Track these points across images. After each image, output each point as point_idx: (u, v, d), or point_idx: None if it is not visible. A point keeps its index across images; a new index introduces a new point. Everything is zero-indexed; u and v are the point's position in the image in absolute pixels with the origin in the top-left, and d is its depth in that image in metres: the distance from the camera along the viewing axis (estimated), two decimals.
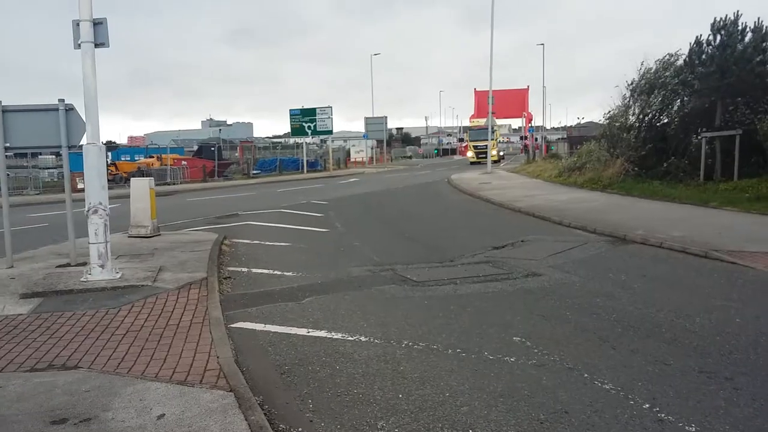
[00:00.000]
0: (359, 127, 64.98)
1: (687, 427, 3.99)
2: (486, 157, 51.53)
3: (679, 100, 21.49)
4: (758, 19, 19.12)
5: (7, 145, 9.06)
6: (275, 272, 9.30)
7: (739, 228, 11.93)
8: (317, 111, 50.49)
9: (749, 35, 19.13)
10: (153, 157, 45.51)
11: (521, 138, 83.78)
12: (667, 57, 21.60)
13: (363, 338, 6.04)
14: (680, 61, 21.28)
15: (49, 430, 3.97)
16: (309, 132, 50.59)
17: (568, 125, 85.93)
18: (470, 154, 60.77)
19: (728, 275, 8.45)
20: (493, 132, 54.24)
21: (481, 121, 62.23)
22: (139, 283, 8.08)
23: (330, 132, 52.79)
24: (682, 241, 10.47)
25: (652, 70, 21.67)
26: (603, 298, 7.34)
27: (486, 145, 53.13)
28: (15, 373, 5.08)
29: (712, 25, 19.78)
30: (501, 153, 69.57)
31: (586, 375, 4.91)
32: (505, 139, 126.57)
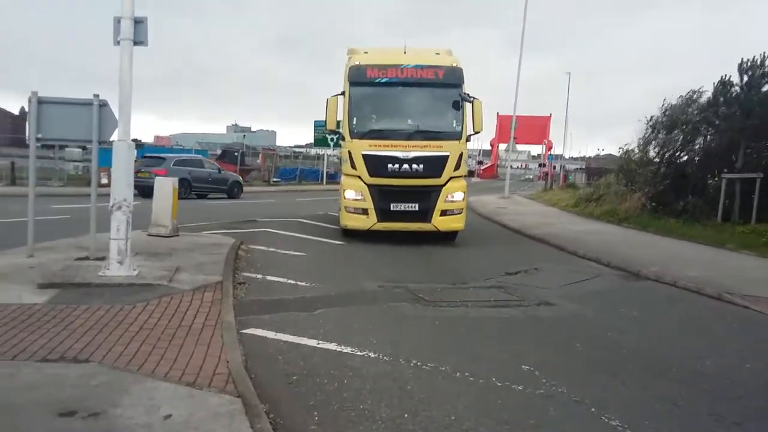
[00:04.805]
0: None
1: None
2: None
3: (701, 138, 21.35)
4: None
5: (39, 136, 9.18)
6: (289, 281, 9.36)
7: (754, 272, 11.81)
8: (340, 124, 50.75)
9: None
10: None
11: (540, 165, 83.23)
12: (690, 94, 21.51)
13: (372, 354, 6.06)
14: (703, 99, 21.18)
15: (56, 422, 4.03)
16: (331, 144, 50.81)
17: (588, 156, 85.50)
18: None
19: (741, 319, 8.37)
20: None
21: None
22: (155, 281, 8.16)
23: None
24: (696, 282, 10.39)
25: (675, 107, 21.58)
26: (615, 333, 7.31)
27: None
28: (27, 362, 5.15)
29: (739, 66, 19.69)
30: None
31: (593, 409, 4.89)
32: (523, 165, 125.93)
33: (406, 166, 13.36)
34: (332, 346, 6.25)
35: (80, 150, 35.61)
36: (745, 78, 19.56)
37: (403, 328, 7.09)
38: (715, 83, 20.49)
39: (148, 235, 12.58)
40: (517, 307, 8.37)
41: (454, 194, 13.87)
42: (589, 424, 4.62)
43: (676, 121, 21.23)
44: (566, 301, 8.91)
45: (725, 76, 20.21)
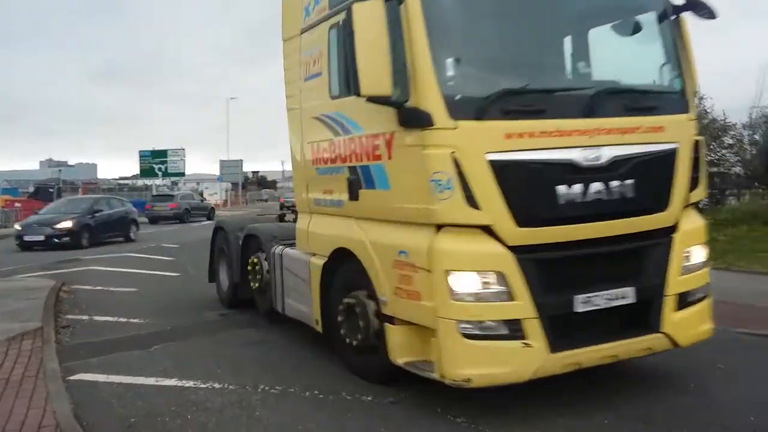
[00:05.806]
0: (218, 169, 61.14)
1: None
2: None
3: None
4: None
5: None
6: (120, 319, 8.78)
7: None
8: (169, 152, 48.98)
9: None
10: None
11: None
12: None
13: (217, 385, 5.83)
14: None
15: None
16: (160, 174, 48.88)
17: None
18: None
19: None
20: None
21: None
22: None
23: (182, 174, 51.35)
24: None
25: None
26: None
27: None
28: None
29: None
30: None
31: (439, 409, 5.05)
32: None
33: (597, 186, 4.94)
34: (173, 382, 5.95)
35: None
36: None
37: (248, 355, 6.92)
38: None
39: None
40: None
41: (692, 250, 5.43)
42: (437, 424, 4.79)
43: None
44: None
45: None
